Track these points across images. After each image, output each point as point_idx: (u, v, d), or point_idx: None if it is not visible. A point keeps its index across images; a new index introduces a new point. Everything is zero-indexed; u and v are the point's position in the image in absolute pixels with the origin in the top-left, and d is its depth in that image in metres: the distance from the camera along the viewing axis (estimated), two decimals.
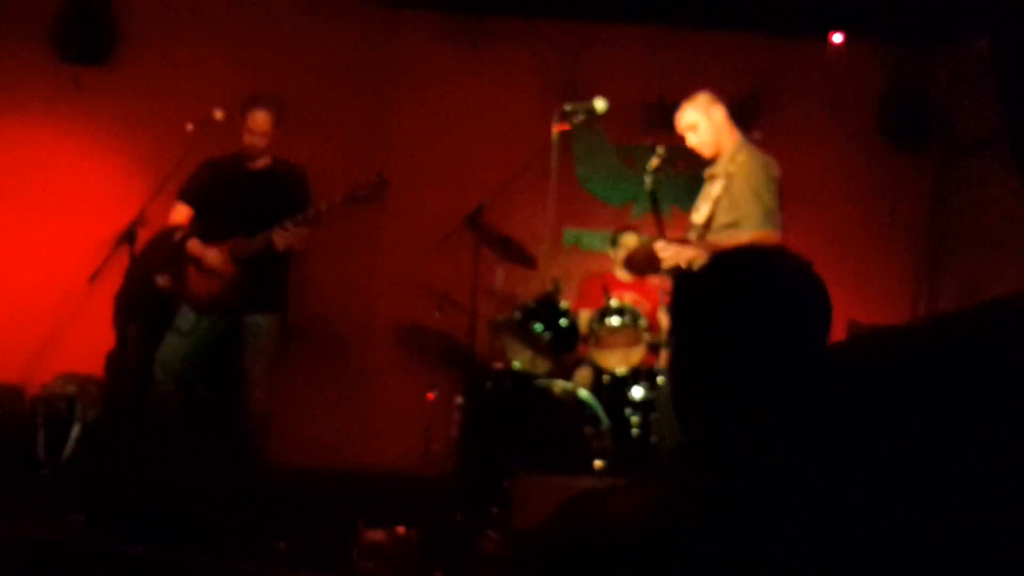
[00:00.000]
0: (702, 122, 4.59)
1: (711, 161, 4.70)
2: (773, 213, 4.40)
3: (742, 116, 5.14)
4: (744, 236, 4.33)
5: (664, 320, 5.21)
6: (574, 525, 1.30)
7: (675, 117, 4.71)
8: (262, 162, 5.31)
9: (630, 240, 5.98)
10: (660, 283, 5.31)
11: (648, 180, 4.48)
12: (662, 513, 1.22)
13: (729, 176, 4.46)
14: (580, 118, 5.08)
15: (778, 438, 1.10)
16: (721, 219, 4.47)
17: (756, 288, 1.37)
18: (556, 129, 5.01)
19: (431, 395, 5.90)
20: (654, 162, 4.47)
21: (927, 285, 6.30)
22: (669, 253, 4.52)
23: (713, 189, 4.52)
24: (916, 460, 0.86)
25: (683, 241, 4.48)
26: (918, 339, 0.98)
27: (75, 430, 5.60)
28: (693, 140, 4.66)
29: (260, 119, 5.18)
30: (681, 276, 4.31)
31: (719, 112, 4.61)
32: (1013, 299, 0.93)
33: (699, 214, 4.55)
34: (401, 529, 4.53)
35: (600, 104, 5.08)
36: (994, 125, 5.44)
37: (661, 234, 4.50)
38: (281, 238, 5.05)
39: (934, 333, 0.96)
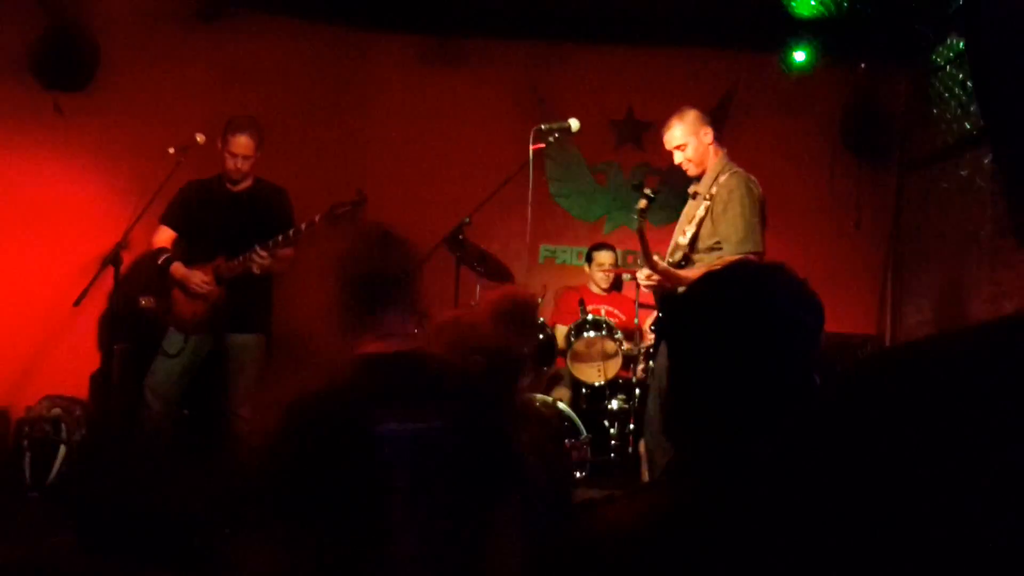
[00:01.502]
0: (692, 142, 4.63)
1: (690, 179, 4.76)
2: (756, 233, 4.43)
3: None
4: (727, 258, 4.34)
5: (648, 336, 5.28)
6: (571, 536, 1.35)
7: (663, 133, 4.74)
8: (244, 184, 5.38)
9: (604, 256, 6.12)
10: (636, 297, 5.44)
11: (637, 221, 4.51)
12: (656, 525, 1.25)
13: (712, 197, 4.50)
14: (554, 137, 5.18)
15: (771, 454, 1.13)
16: (705, 241, 4.51)
17: (749, 305, 1.37)
18: (532, 148, 5.10)
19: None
20: (642, 203, 4.49)
21: (892, 294, 6.45)
22: (652, 283, 4.56)
23: (697, 210, 4.55)
24: (908, 481, 0.87)
25: (663, 271, 4.47)
26: (918, 357, 0.97)
27: (61, 452, 5.61)
28: (680, 158, 4.70)
29: (243, 143, 5.26)
30: (674, 297, 4.38)
31: (708, 133, 4.66)
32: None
33: (683, 236, 4.59)
34: None
35: (574, 124, 5.18)
36: (956, 134, 5.57)
37: (649, 264, 4.51)
38: (257, 265, 5.12)
39: (934, 351, 0.97)
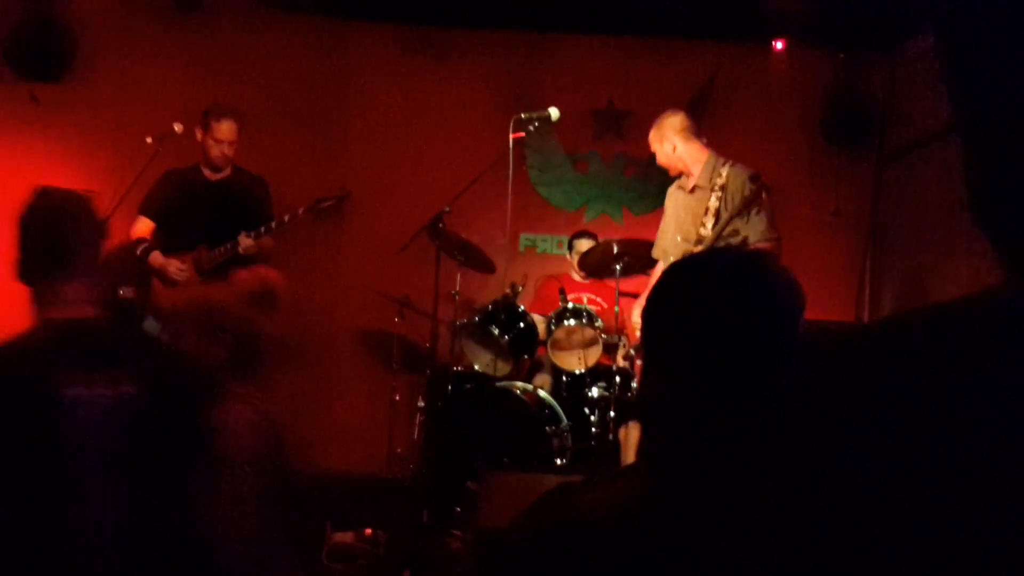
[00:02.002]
0: (678, 145, 4.79)
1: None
2: (774, 221, 4.62)
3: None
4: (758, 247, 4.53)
5: (634, 331, 5.32)
6: (548, 520, 1.35)
7: (650, 136, 4.89)
8: (223, 173, 5.37)
9: (584, 244, 6.14)
10: (616, 284, 5.47)
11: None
12: (633, 508, 1.26)
13: (723, 188, 4.64)
14: (534, 126, 5.19)
15: (751, 439, 1.15)
16: (726, 230, 4.63)
17: (724, 290, 1.35)
18: (512, 137, 5.11)
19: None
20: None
21: (870, 281, 6.49)
22: None
23: (708, 202, 4.68)
24: (887, 458, 0.88)
25: None
26: (888, 338, 0.98)
27: None
28: (663, 159, 4.86)
29: (228, 128, 5.24)
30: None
31: (681, 139, 4.80)
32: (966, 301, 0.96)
33: (704, 227, 4.68)
34: (368, 531, 4.63)
35: (554, 113, 5.20)
36: (933, 124, 5.61)
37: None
38: (244, 243, 5.12)
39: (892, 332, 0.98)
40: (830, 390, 0.99)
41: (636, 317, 4.97)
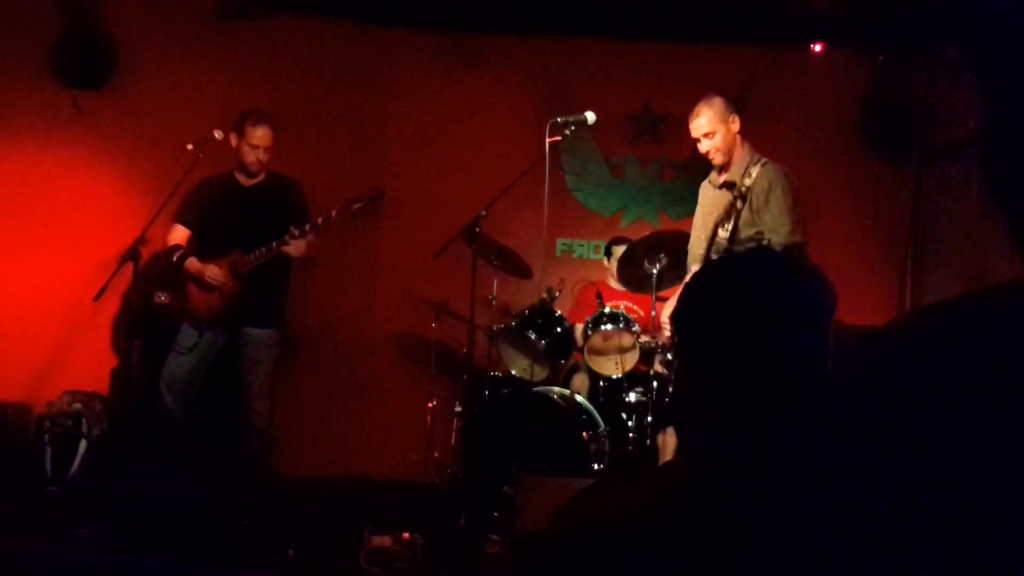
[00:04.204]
0: (720, 130, 4.57)
1: (700, 167, 4.73)
2: (801, 223, 4.43)
3: None
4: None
5: (665, 329, 5.28)
6: (590, 513, 1.37)
7: (690, 121, 4.66)
8: (257, 178, 5.40)
9: (621, 251, 6.11)
10: (653, 291, 5.43)
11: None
12: (673, 500, 1.28)
13: (749, 189, 4.47)
14: (570, 130, 5.17)
15: (782, 436, 1.15)
16: (745, 231, 4.48)
17: (756, 288, 1.38)
18: (548, 141, 5.10)
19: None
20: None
21: (911, 286, 6.41)
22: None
23: (733, 201, 4.50)
24: (923, 456, 0.85)
25: None
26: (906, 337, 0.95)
27: (82, 447, 5.66)
28: (707, 146, 4.63)
29: (264, 134, 5.27)
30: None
31: (736, 120, 4.61)
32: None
33: (724, 230, 4.52)
34: (406, 535, 4.63)
35: (590, 116, 5.18)
36: (975, 126, 5.55)
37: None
38: (293, 245, 5.14)
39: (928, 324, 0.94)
40: (865, 381, 0.97)
41: (665, 318, 4.90)
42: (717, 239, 4.56)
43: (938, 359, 0.86)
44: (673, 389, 4.78)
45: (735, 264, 1.54)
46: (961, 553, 0.83)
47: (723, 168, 4.69)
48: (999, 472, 0.81)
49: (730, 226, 4.50)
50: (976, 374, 0.84)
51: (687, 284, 1.47)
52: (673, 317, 1.49)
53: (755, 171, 4.52)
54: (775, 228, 4.42)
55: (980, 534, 0.82)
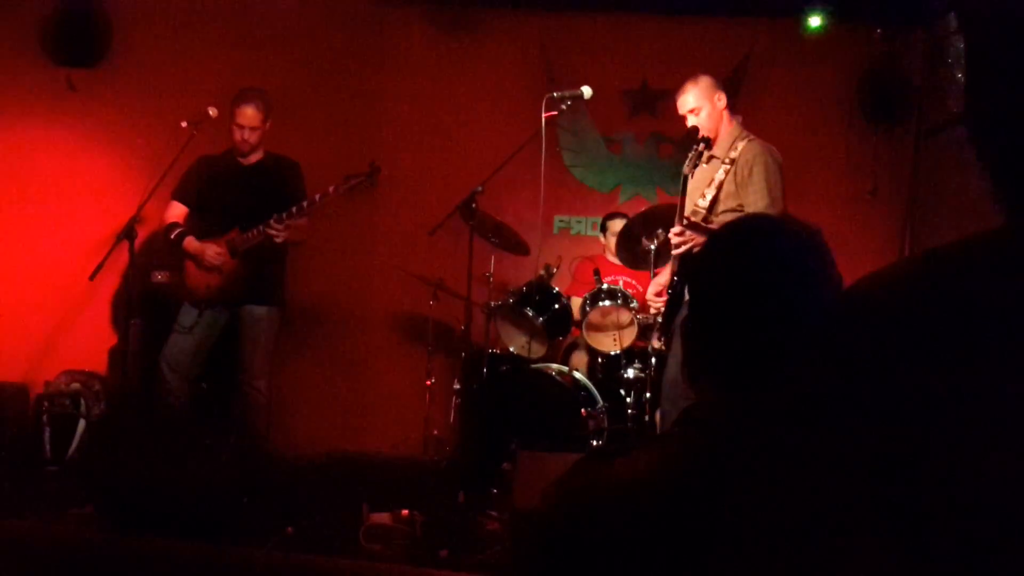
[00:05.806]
0: (705, 106, 4.64)
1: (698, 142, 4.73)
2: (780, 200, 4.48)
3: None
4: None
5: (654, 302, 5.25)
6: (588, 484, 1.37)
7: (677, 99, 4.74)
8: (255, 156, 5.38)
9: (618, 225, 6.10)
10: (650, 267, 5.42)
11: (688, 163, 4.56)
12: (668, 470, 1.27)
13: (733, 162, 4.53)
14: (567, 105, 5.15)
15: (783, 396, 1.15)
16: (726, 203, 4.53)
17: (755, 250, 1.43)
18: (544, 116, 5.07)
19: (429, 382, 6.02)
20: (700, 148, 4.56)
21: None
22: (683, 239, 4.52)
23: (715, 173, 4.57)
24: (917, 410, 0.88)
25: (696, 225, 4.47)
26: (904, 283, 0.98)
27: (80, 426, 5.66)
28: (692, 123, 4.70)
29: (247, 114, 5.25)
30: (699, 249, 4.37)
31: (722, 98, 4.67)
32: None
33: (703, 199, 4.59)
34: (405, 512, 4.64)
35: (586, 91, 5.15)
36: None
37: (680, 219, 4.53)
38: (278, 232, 5.12)
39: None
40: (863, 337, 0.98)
41: (651, 295, 4.88)
42: (697, 211, 4.57)
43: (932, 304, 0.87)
44: (684, 347, 4.76)
45: (742, 227, 1.58)
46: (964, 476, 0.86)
47: (709, 144, 4.71)
48: (993, 404, 0.82)
49: (710, 195, 4.55)
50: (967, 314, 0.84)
51: (704, 247, 1.52)
52: (687, 277, 1.55)
53: (741, 145, 4.58)
54: (754, 202, 4.46)
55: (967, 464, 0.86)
